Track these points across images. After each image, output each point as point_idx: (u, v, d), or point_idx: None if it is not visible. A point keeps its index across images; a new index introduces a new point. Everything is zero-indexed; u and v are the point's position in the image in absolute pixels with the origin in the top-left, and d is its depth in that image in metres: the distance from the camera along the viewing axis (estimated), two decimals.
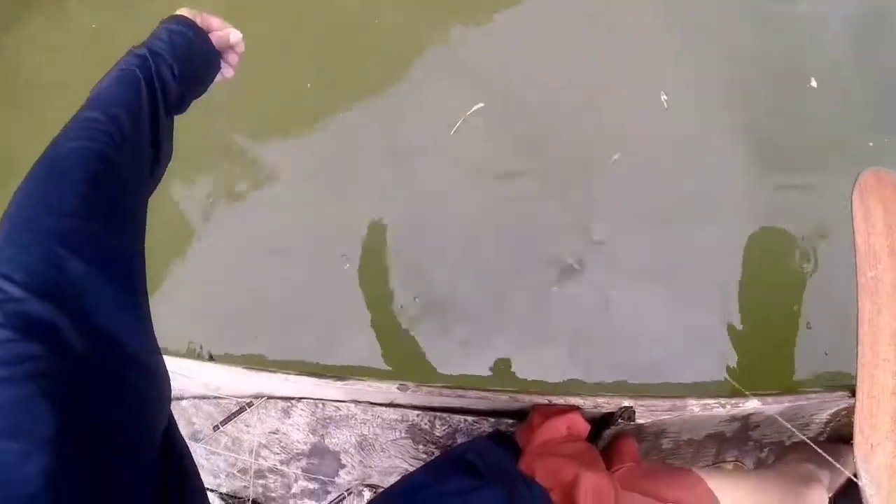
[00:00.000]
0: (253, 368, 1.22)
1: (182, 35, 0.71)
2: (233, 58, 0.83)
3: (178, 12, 0.74)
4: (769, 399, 1.12)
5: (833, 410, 1.23)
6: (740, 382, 1.18)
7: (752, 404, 1.10)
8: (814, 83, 1.88)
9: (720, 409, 1.11)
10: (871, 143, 1.83)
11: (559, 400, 1.11)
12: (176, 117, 0.73)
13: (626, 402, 1.10)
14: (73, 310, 0.44)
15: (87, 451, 0.40)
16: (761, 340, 1.69)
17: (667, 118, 1.85)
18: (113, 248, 0.51)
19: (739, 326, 1.70)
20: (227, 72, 0.83)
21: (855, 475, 0.99)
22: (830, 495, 1.15)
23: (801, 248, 1.75)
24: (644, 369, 1.66)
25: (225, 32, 0.78)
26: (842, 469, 1.08)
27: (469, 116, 1.86)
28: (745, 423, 1.27)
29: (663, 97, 1.85)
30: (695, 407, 1.10)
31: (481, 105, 1.88)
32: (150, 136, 0.63)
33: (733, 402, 1.11)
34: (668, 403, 1.10)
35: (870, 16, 1.94)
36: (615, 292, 1.73)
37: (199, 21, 0.74)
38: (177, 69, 0.67)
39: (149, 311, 0.53)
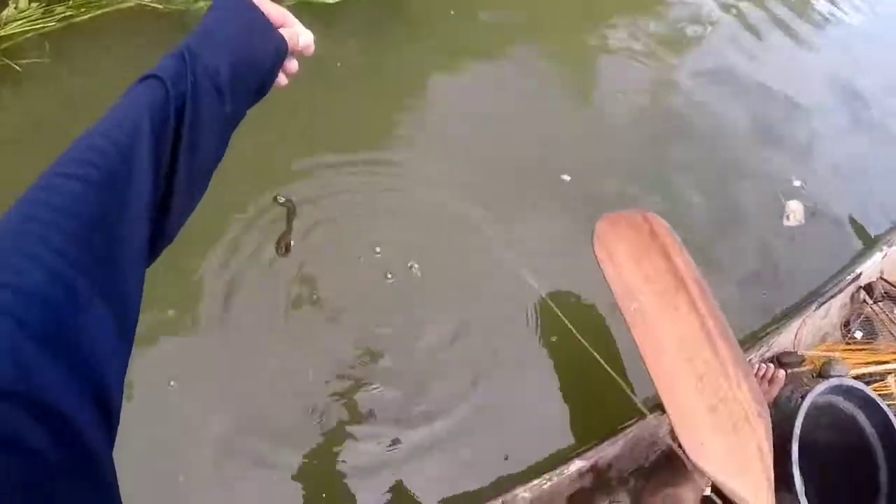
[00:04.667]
0: None
1: (239, 18, 0.53)
2: (293, 64, 0.62)
3: None
4: (604, 444, 1.22)
5: (666, 427, 1.38)
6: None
7: (575, 466, 1.19)
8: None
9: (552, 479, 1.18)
10: None
11: None
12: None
13: None
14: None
15: None
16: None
17: None
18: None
19: None
20: (281, 79, 0.62)
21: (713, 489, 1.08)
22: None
23: None
24: None
25: (293, 30, 0.59)
26: (698, 472, 1.19)
27: None
28: (597, 469, 1.36)
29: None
30: (524, 493, 1.16)
31: None
32: (153, 172, 0.45)
33: (559, 470, 1.18)
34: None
35: None
36: None
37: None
38: (225, 71, 0.50)
39: None
